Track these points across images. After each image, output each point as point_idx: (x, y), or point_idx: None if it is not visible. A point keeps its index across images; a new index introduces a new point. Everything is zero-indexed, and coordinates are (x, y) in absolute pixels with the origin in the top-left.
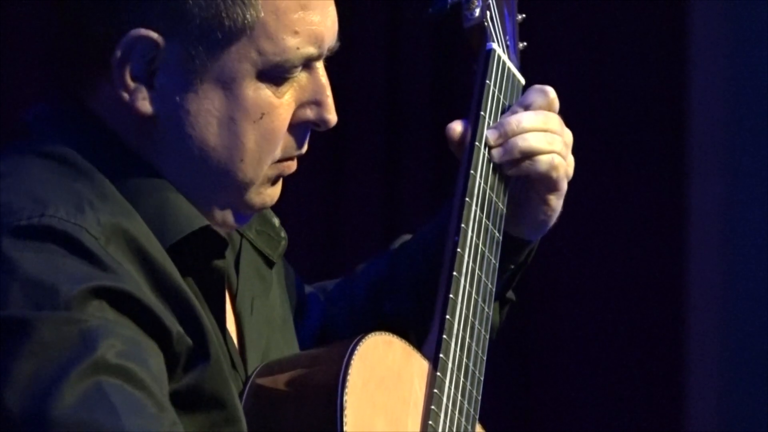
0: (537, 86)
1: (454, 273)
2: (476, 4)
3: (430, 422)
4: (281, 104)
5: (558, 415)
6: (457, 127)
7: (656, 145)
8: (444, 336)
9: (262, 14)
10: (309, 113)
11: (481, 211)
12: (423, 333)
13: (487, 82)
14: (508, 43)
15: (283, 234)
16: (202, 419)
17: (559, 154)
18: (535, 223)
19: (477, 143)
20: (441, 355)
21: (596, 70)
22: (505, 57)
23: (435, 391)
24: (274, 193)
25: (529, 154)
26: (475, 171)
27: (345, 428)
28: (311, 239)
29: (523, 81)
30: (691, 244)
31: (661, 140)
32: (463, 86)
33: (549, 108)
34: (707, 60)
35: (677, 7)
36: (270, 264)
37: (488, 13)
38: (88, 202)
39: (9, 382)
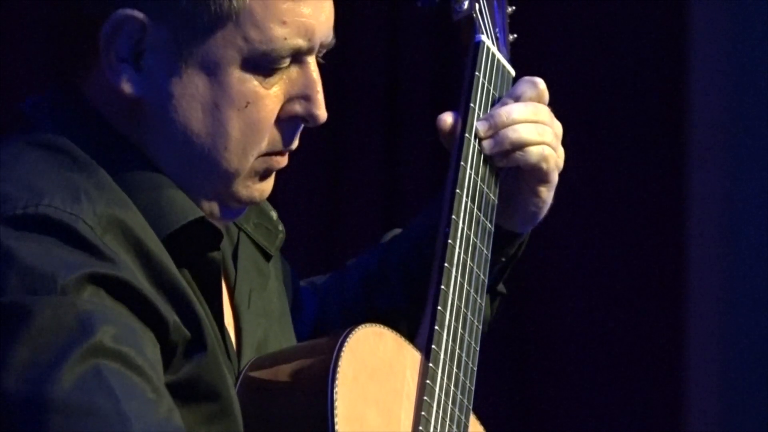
0: (527, 78)
1: (446, 264)
2: None
3: (423, 413)
4: (268, 95)
5: (557, 414)
6: (447, 118)
7: (655, 142)
8: (436, 327)
9: (249, 1)
10: (298, 108)
11: (472, 202)
12: (415, 326)
13: (477, 74)
14: (498, 35)
15: (280, 227)
16: (198, 410)
17: (549, 145)
18: (525, 215)
19: (467, 135)
20: (433, 346)
21: (590, 62)
22: (494, 49)
23: (428, 382)
24: (263, 188)
25: (520, 146)
26: (466, 162)
27: (336, 420)
28: (310, 233)
29: (513, 72)
30: (691, 242)
31: (660, 136)
32: (461, 80)
33: (539, 99)
34: (707, 51)
35: None
36: (267, 257)
37: (477, 5)
38: (84, 192)
39: (7, 367)
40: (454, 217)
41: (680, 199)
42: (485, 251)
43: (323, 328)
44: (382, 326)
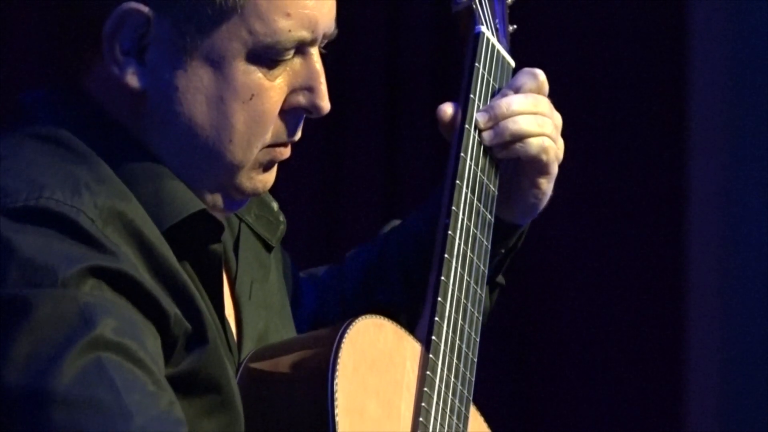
0: (527, 69)
1: (446, 255)
2: None
3: (423, 404)
4: (272, 87)
5: (557, 412)
6: (447, 109)
7: (655, 139)
8: (436, 318)
9: None
10: (301, 99)
11: (472, 193)
12: (415, 318)
13: (477, 65)
14: (498, 26)
15: (281, 218)
16: (198, 403)
17: (549, 136)
18: (525, 207)
19: (467, 126)
20: (433, 338)
21: (590, 54)
22: (494, 40)
23: (428, 373)
24: (266, 179)
25: (519, 137)
26: (466, 153)
27: (336, 411)
28: (310, 225)
29: (513, 63)
30: (692, 241)
31: (660, 133)
32: (461, 71)
33: (539, 91)
34: (707, 44)
35: None
36: (269, 248)
37: None
38: (85, 184)
39: (8, 360)
40: (454, 208)
41: (680, 197)
42: (485, 242)
43: (322, 321)
44: (382, 317)
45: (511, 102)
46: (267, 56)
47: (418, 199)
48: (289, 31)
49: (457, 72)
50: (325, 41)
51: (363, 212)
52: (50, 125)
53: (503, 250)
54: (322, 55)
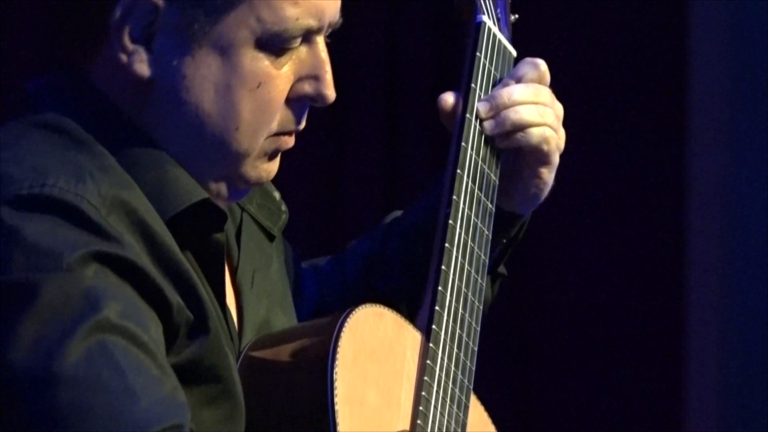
0: (528, 59)
1: (447, 245)
2: None
3: (423, 393)
4: (279, 75)
5: (556, 412)
6: (448, 98)
7: (656, 136)
8: (437, 307)
9: None
10: (307, 88)
11: (473, 183)
12: (415, 308)
13: (478, 54)
14: (499, 15)
15: (283, 208)
16: (199, 392)
17: (550, 126)
18: (526, 197)
19: (468, 115)
20: (434, 327)
21: (589, 51)
22: (495, 29)
23: (428, 362)
24: (270, 168)
25: (521, 127)
26: (467, 143)
27: (335, 400)
28: (311, 217)
29: (514, 53)
30: (692, 239)
31: (660, 130)
32: (462, 61)
33: (540, 81)
34: (708, 44)
35: None
36: (270, 237)
37: None
38: (88, 172)
39: (14, 343)
40: (455, 197)
41: (681, 194)
42: (486, 232)
43: (323, 310)
44: (382, 306)
45: (513, 92)
46: (274, 44)
47: (419, 189)
48: (297, 19)
49: (457, 62)
50: (330, 30)
51: (364, 203)
52: (53, 114)
53: (504, 241)
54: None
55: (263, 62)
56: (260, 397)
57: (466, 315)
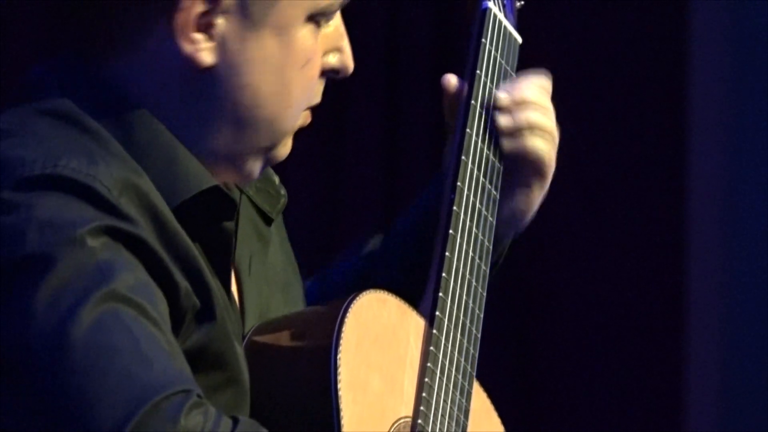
0: (542, 71)
1: (450, 231)
2: None
3: (427, 380)
4: (317, 51)
5: (557, 413)
6: (452, 79)
7: (656, 140)
8: (440, 294)
9: None
10: (332, 60)
11: (478, 169)
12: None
13: (483, 40)
14: (505, 2)
15: (282, 192)
16: (205, 380)
17: (554, 142)
18: (512, 215)
19: (473, 102)
20: (437, 313)
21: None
22: (501, 16)
23: (431, 349)
24: (290, 145)
25: (535, 128)
26: (471, 130)
27: (339, 386)
28: (310, 209)
29: (519, 40)
30: (692, 240)
31: (660, 133)
32: (465, 48)
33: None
34: (708, 44)
35: None
36: (268, 221)
37: None
38: (99, 156)
39: (28, 313)
40: (459, 183)
41: (681, 195)
42: (490, 218)
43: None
44: (385, 292)
45: (533, 92)
46: (319, 20)
47: (419, 186)
48: None
49: (457, 60)
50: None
51: (364, 202)
52: (59, 100)
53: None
54: None
55: (310, 39)
56: (263, 383)
57: (470, 301)
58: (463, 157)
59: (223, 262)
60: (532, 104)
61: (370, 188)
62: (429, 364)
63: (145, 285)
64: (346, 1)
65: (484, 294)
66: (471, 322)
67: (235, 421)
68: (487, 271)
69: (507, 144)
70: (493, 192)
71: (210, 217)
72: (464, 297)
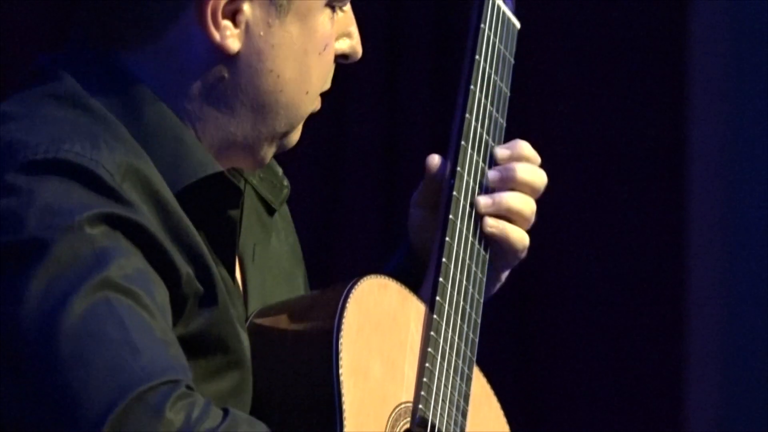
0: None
1: (450, 217)
2: None
3: (427, 365)
4: (332, 36)
5: (557, 413)
6: (435, 159)
7: (656, 142)
8: (440, 279)
9: None
10: (343, 46)
11: (478, 154)
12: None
13: (482, 26)
14: None
15: (285, 182)
16: (206, 364)
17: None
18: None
19: (472, 87)
20: (437, 298)
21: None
22: (500, 1)
23: (432, 333)
24: (300, 132)
25: (516, 216)
26: (471, 114)
27: (340, 371)
28: (311, 213)
29: (518, 25)
30: (692, 242)
31: (660, 139)
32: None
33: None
34: (708, 47)
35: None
36: (271, 211)
37: None
38: (103, 140)
39: (22, 298)
40: (458, 168)
41: (681, 199)
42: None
43: None
44: (386, 278)
45: (532, 170)
46: (336, 6)
47: (419, 172)
48: None
49: (459, 49)
50: None
51: (364, 194)
52: (67, 84)
53: None
54: None
55: (328, 25)
56: (264, 367)
57: (470, 287)
58: (462, 143)
59: (228, 249)
60: (527, 185)
61: (370, 188)
62: (429, 349)
63: (142, 273)
64: None
65: (484, 279)
66: (471, 307)
67: (225, 412)
68: (487, 257)
69: (490, 229)
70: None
71: (214, 203)
72: (464, 282)
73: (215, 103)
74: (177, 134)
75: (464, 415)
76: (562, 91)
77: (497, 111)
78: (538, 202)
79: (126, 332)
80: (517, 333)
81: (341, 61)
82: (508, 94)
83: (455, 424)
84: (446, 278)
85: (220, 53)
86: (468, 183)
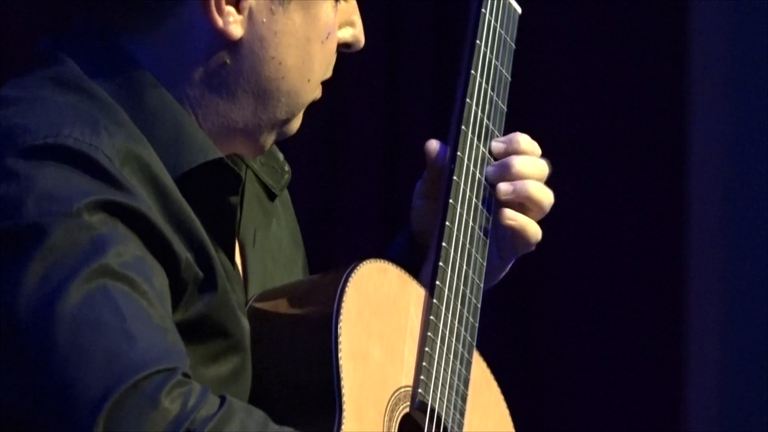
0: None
1: (450, 201)
2: None
3: (427, 349)
4: (336, 25)
5: (557, 413)
6: (433, 144)
7: (656, 143)
8: (440, 263)
9: None
10: (346, 34)
11: (478, 139)
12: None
13: (483, 11)
14: None
15: (287, 168)
16: (205, 349)
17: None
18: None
19: (473, 72)
20: (437, 282)
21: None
22: None
23: (431, 318)
24: (300, 119)
25: (534, 205)
26: (471, 99)
27: (340, 355)
28: (310, 209)
29: (519, 10)
30: (692, 243)
31: (661, 141)
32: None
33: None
34: (708, 47)
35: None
36: (272, 196)
37: None
38: (103, 126)
39: (19, 284)
40: (459, 153)
41: (681, 199)
42: (490, 188)
43: None
44: (386, 262)
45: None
46: None
47: (420, 158)
48: None
49: (459, 49)
50: None
51: (364, 194)
52: (68, 68)
53: None
54: None
55: (331, 13)
56: (264, 351)
57: (470, 271)
58: (462, 127)
59: (227, 234)
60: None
61: (370, 174)
62: (429, 334)
63: (140, 259)
64: None
65: (484, 264)
66: (471, 291)
67: (222, 400)
68: (488, 242)
69: (508, 221)
70: (492, 160)
71: (214, 189)
72: (464, 266)
73: (217, 89)
74: (178, 120)
75: (464, 400)
76: (563, 92)
77: (498, 96)
78: None
79: (123, 320)
80: (517, 335)
81: (344, 49)
82: (509, 79)
83: (455, 408)
84: (446, 262)
85: (223, 40)
86: (468, 168)
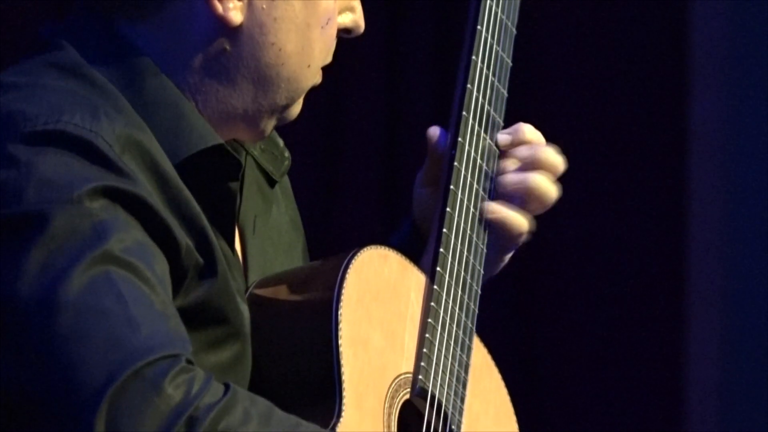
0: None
1: (452, 186)
2: None
3: (427, 335)
4: (336, 10)
5: (558, 413)
6: (435, 131)
7: (656, 142)
8: (441, 249)
9: None
10: (346, 20)
11: (479, 125)
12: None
13: None
14: None
15: (287, 154)
16: (205, 336)
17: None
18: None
19: (474, 57)
20: (438, 269)
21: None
22: None
23: (432, 304)
24: (301, 105)
25: (536, 198)
26: (473, 85)
27: (340, 341)
28: (310, 209)
29: None
30: (692, 242)
31: (660, 135)
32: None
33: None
34: (708, 54)
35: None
36: (272, 182)
37: None
38: (103, 111)
39: (21, 271)
40: (460, 139)
41: (681, 197)
42: (491, 173)
43: None
44: (386, 248)
45: (552, 153)
46: None
47: (420, 144)
48: None
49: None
50: None
51: (363, 193)
52: (69, 54)
53: None
54: None
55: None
56: (264, 337)
57: (470, 257)
58: (464, 113)
59: (227, 220)
60: (547, 168)
61: (371, 160)
62: (430, 320)
63: (142, 245)
64: None
65: (485, 250)
66: (471, 277)
67: (227, 387)
68: (487, 227)
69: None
70: (494, 148)
71: (214, 175)
72: (465, 252)
73: (216, 75)
74: (178, 106)
75: (464, 386)
76: (563, 92)
77: (499, 81)
78: None
79: (125, 306)
80: (517, 335)
81: (343, 35)
82: (510, 64)
83: (455, 394)
84: (447, 248)
85: (223, 26)
86: (469, 154)
